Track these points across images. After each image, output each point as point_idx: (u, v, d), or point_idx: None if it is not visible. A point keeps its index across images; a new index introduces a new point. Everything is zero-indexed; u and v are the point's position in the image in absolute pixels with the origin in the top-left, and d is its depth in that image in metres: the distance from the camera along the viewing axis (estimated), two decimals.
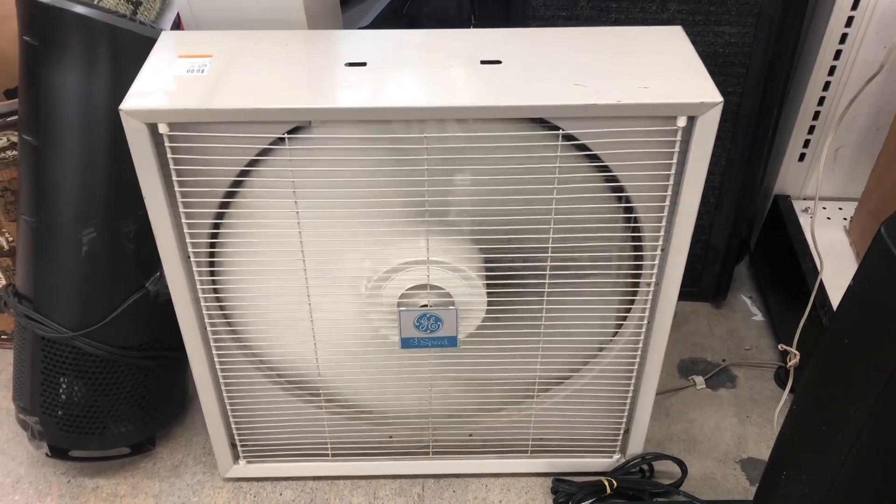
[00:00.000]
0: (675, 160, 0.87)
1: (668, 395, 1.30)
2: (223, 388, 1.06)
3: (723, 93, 0.83)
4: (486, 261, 0.97)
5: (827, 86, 1.27)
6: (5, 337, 1.37)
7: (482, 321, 1.00)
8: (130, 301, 1.05)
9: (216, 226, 0.93)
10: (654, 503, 1.12)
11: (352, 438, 1.14)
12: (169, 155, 0.85)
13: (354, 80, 0.86)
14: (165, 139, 0.84)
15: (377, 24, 1.51)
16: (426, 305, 0.97)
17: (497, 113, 0.83)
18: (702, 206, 0.91)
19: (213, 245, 0.94)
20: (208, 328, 0.99)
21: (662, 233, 0.93)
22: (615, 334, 1.05)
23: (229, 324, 1.02)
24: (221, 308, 1.00)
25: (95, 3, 1.21)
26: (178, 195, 0.88)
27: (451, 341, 0.99)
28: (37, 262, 1.03)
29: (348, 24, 1.46)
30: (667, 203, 0.91)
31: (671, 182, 0.89)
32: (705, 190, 0.90)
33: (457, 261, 0.94)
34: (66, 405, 1.09)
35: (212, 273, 0.97)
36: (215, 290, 0.99)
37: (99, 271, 1.03)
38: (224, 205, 0.91)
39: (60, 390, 1.08)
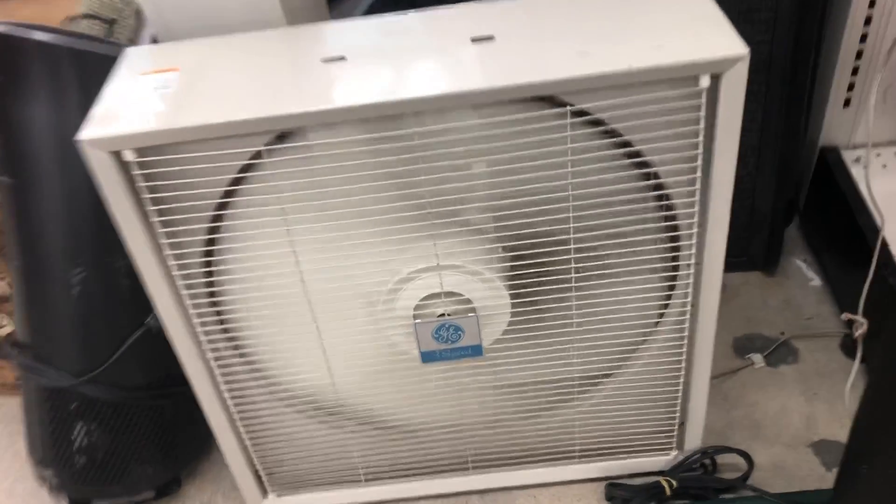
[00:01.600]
0: (702, 125, 0.77)
1: (725, 379, 1.19)
2: (238, 421, 0.99)
3: (750, 42, 0.72)
4: (506, 259, 0.88)
5: (868, 20, 1.14)
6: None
7: (508, 325, 0.91)
8: (132, 339, 0.98)
9: (208, 253, 0.85)
10: (720, 501, 1.02)
11: (385, 460, 1.06)
12: (139, 184, 0.77)
13: (332, 78, 0.77)
14: (134, 167, 0.76)
15: (374, 11, 1.42)
16: (444, 315, 0.88)
17: (489, 97, 0.74)
18: (741, 168, 0.81)
19: (208, 274, 0.87)
20: (211, 361, 0.92)
21: (697, 207, 0.83)
22: (658, 322, 0.95)
23: (239, 353, 0.94)
24: (229, 339, 0.93)
25: (70, 23, 1.15)
26: (156, 226, 0.81)
27: (476, 350, 0.91)
28: (30, 307, 0.97)
29: (343, 17, 1.37)
30: (698, 174, 0.80)
31: (700, 150, 0.79)
32: (743, 151, 0.80)
33: (471, 263, 0.86)
34: (80, 455, 1.03)
35: (213, 304, 0.89)
36: (220, 321, 0.91)
37: (95, 312, 0.97)
38: (213, 230, 0.84)
39: (72, 439, 1.02)
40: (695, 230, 0.84)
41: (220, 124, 0.74)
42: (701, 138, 0.78)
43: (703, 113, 0.76)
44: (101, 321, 0.98)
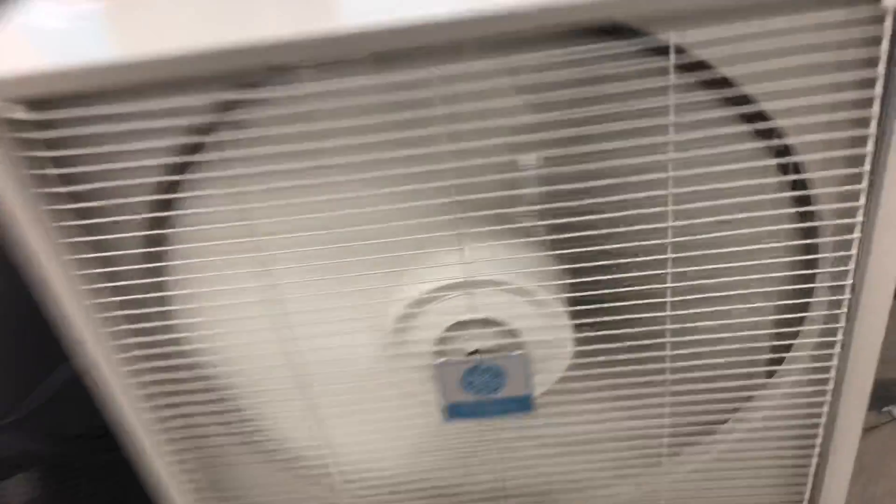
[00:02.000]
0: (881, 70, 0.50)
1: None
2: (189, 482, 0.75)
3: None
4: (567, 273, 0.61)
5: None
6: None
7: (569, 367, 0.65)
8: (61, 374, 0.75)
9: (151, 256, 0.61)
10: None
11: None
12: (31, 154, 0.54)
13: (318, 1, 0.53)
14: (25, 130, 0.53)
15: None
16: (476, 352, 0.62)
17: (543, 18, 0.48)
18: None
19: (147, 287, 0.63)
20: (145, 409, 0.68)
21: (863, 202, 0.55)
22: (783, 361, 0.68)
23: (191, 397, 0.70)
24: (174, 380, 0.69)
25: None
26: (66, 219, 0.57)
27: (523, 403, 0.64)
28: None
29: None
30: (868, 150, 0.53)
31: (876, 113, 0.51)
32: None
33: (520, 277, 0.60)
34: None
35: (147, 330, 0.65)
36: (160, 343, 0.66)
37: (9, 336, 0.74)
38: (157, 222, 0.60)
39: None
40: (857, 236, 0.56)
41: (146, 62, 0.50)
42: (878, 93, 0.50)
43: (884, 52, 0.49)
44: (18, 351, 0.75)
